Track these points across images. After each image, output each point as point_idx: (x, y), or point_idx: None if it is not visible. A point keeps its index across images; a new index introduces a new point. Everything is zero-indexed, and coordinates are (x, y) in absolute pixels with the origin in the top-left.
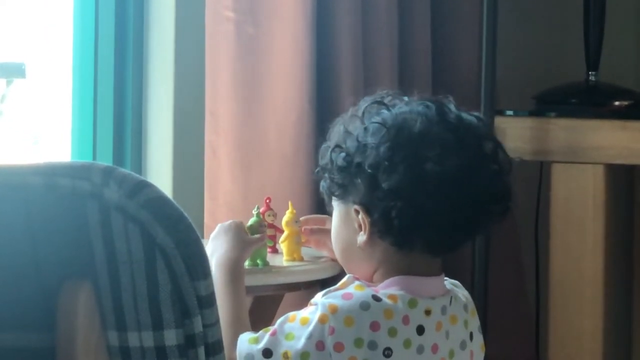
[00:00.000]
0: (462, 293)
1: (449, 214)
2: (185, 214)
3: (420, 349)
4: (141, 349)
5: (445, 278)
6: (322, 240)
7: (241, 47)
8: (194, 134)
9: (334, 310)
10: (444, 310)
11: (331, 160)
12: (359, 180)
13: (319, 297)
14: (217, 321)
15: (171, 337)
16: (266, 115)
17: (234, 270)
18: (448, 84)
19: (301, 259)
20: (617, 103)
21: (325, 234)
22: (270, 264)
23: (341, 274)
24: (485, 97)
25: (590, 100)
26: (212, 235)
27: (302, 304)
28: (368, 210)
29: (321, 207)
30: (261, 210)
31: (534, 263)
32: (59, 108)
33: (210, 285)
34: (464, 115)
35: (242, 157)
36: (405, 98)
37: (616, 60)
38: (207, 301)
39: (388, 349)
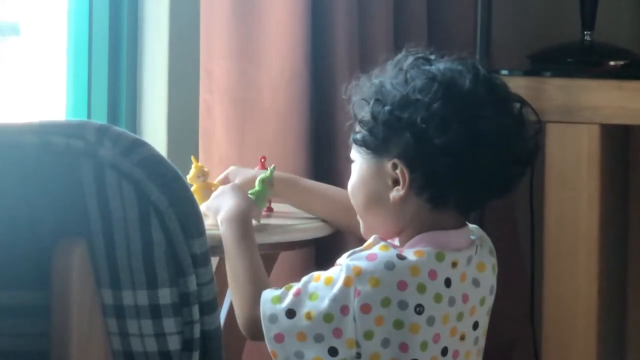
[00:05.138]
0: (484, 236)
1: (489, 174)
2: (180, 173)
3: (451, 301)
4: (135, 307)
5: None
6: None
7: (236, 4)
8: (189, 92)
9: (358, 272)
10: (469, 260)
11: (372, 114)
12: (407, 134)
13: (344, 259)
14: (212, 280)
15: (165, 296)
16: (261, 73)
17: (245, 224)
18: (443, 41)
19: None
20: (612, 63)
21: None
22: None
23: (334, 235)
24: (480, 56)
25: (586, 60)
26: (214, 194)
27: (297, 263)
28: (410, 165)
29: (316, 164)
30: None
31: (529, 222)
32: (53, 66)
33: (204, 243)
34: (494, 76)
35: (237, 115)
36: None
37: (612, 20)
38: (202, 260)
39: (419, 305)
